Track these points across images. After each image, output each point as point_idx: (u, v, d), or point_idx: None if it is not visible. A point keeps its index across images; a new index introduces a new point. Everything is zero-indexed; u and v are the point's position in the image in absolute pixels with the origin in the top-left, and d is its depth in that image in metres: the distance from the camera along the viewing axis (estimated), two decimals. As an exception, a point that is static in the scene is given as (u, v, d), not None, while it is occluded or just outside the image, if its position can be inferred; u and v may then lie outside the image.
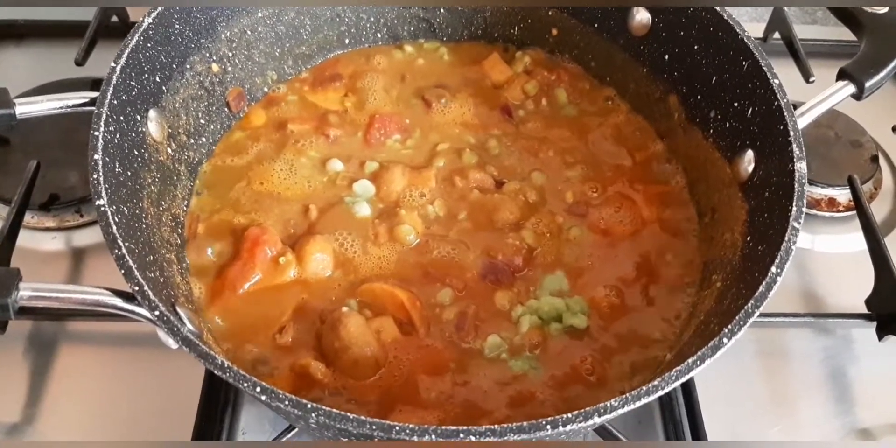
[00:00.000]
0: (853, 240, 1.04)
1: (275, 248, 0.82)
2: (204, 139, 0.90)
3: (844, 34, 1.31)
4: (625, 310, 0.80)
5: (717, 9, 0.84)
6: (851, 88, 0.79)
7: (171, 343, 0.64)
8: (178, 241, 0.82)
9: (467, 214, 0.88)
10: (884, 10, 0.86)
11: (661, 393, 0.56)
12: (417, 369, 0.75)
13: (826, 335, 0.98)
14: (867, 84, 0.78)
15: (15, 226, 0.96)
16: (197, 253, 0.83)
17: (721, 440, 0.85)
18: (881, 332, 0.92)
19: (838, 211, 1.07)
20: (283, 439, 0.80)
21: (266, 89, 0.98)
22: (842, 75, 0.80)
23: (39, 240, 1.04)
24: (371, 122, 0.96)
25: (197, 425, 0.85)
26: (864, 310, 0.94)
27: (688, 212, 0.88)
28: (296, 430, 0.80)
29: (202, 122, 0.90)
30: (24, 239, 0.99)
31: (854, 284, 0.96)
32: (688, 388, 0.88)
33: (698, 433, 0.85)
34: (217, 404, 0.89)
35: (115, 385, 0.92)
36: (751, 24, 1.22)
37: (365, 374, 0.74)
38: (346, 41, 1.03)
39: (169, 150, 0.83)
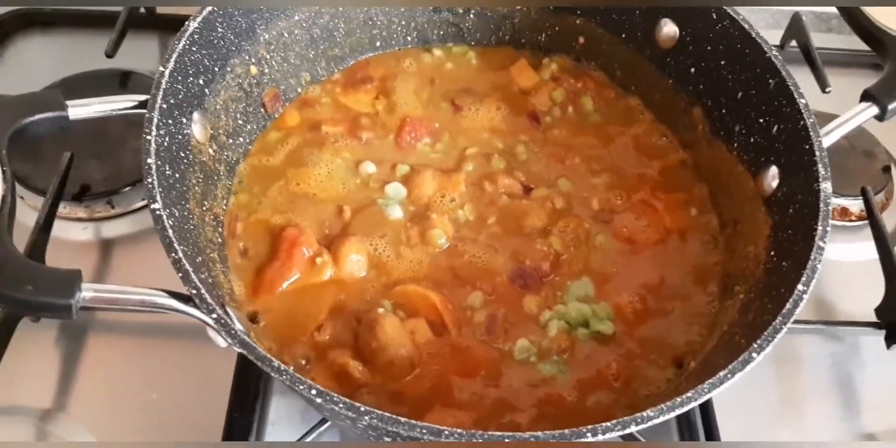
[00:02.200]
0: (864, 249, 1.07)
1: (311, 249, 0.84)
2: (241, 139, 0.93)
3: (861, 44, 1.34)
4: (648, 317, 0.83)
5: (745, 26, 0.87)
6: (875, 110, 0.82)
7: (221, 342, 0.67)
8: (220, 240, 0.84)
9: (496, 219, 0.90)
10: (905, 32, 0.88)
11: (693, 404, 0.59)
12: (450, 370, 0.78)
13: (835, 342, 1.01)
14: (890, 107, 0.81)
15: (49, 217, 0.99)
16: (236, 252, 0.85)
17: (735, 440, 0.89)
18: (889, 341, 0.95)
19: (850, 220, 1.10)
20: (317, 432, 0.82)
21: (300, 90, 1.00)
22: (865, 97, 0.82)
23: (69, 230, 1.06)
24: (402, 125, 0.98)
25: (229, 416, 0.87)
26: (874, 318, 0.97)
27: (710, 222, 0.91)
28: (328, 423, 0.83)
29: (240, 122, 0.92)
30: (55, 228, 1.01)
31: (864, 293, 0.99)
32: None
33: (712, 434, 0.88)
34: (248, 395, 0.92)
35: (146, 374, 0.94)
36: (768, 31, 1.24)
37: (400, 374, 0.77)
38: (377, 44, 1.05)
39: (210, 151, 0.85)
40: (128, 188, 1.07)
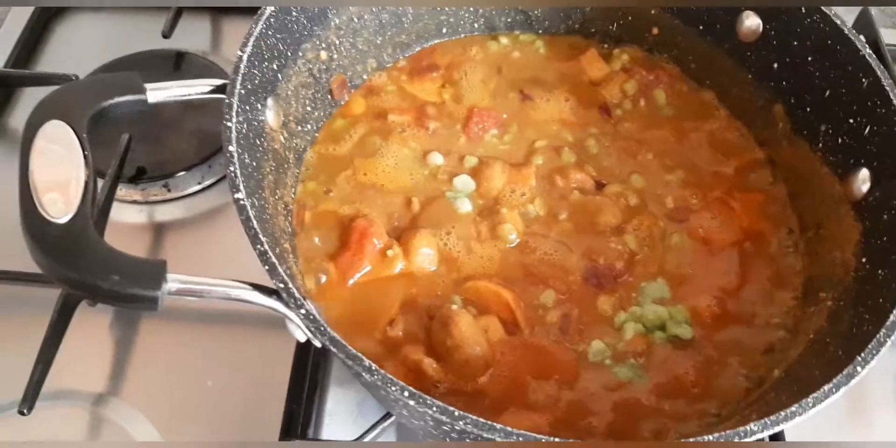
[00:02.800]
0: (936, 255, 1.04)
1: (382, 241, 0.82)
2: (309, 126, 0.91)
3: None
4: (727, 321, 0.81)
5: (837, 22, 0.83)
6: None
7: (300, 336, 0.66)
8: (290, 230, 0.83)
9: (568, 215, 0.88)
10: None
11: (798, 420, 0.57)
12: (524, 371, 0.76)
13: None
14: None
15: (108, 200, 0.98)
16: (306, 242, 0.84)
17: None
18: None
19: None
20: (380, 427, 0.81)
21: (365, 77, 0.98)
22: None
23: (124, 212, 1.05)
24: (470, 115, 0.95)
25: (287, 407, 0.86)
26: (945, 326, 0.95)
27: (789, 224, 0.88)
28: (391, 419, 0.82)
29: (308, 109, 0.90)
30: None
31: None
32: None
33: (778, 437, 0.86)
34: (305, 386, 0.91)
35: (200, 361, 0.93)
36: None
37: (474, 374, 0.76)
38: (444, 30, 1.03)
39: (282, 138, 0.83)
40: (183, 172, 1.06)
